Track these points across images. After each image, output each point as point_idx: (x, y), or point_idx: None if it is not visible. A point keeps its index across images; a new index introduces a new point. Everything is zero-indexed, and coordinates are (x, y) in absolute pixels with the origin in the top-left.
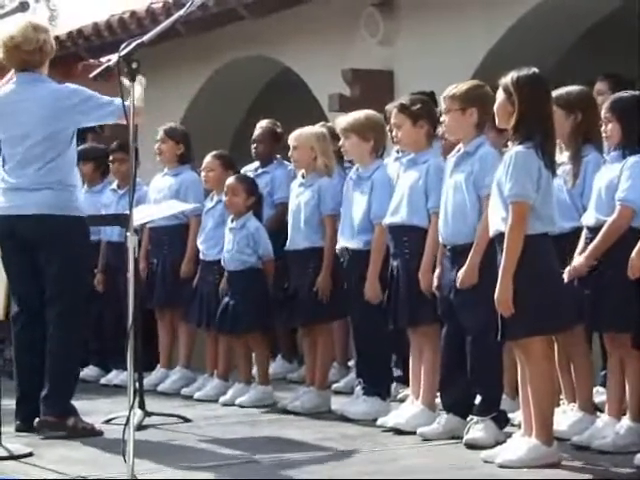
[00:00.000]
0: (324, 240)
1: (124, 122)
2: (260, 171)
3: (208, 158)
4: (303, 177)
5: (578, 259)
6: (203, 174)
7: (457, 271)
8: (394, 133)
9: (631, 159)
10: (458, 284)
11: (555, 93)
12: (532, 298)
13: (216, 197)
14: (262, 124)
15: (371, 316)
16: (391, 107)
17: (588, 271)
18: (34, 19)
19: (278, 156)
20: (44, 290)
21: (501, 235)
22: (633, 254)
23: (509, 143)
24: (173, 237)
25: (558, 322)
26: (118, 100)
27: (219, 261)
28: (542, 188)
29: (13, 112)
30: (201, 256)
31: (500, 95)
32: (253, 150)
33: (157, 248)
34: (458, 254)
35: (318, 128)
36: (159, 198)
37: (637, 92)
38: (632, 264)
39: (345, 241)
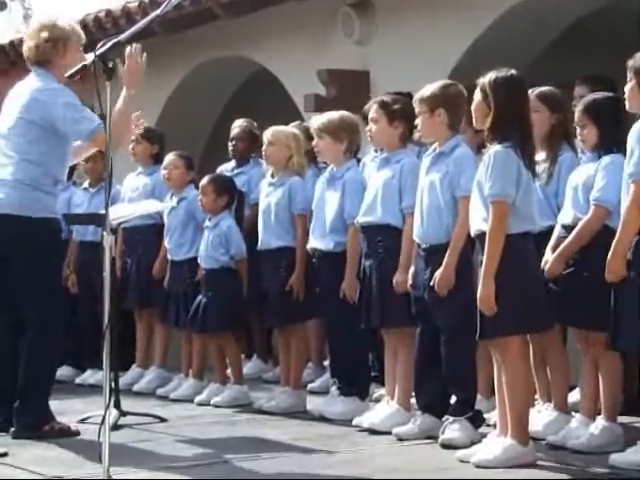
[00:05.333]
0: (296, 239)
1: (98, 147)
2: (236, 171)
3: (171, 156)
4: (273, 176)
5: (550, 259)
6: (165, 172)
7: (431, 271)
8: (369, 127)
9: (605, 159)
10: (436, 287)
11: (540, 91)
12: (511, 297)
13: (177, 196)
14: (240, 123)
15: (344, 316)
16: (372, 102)
17: (563, 269)
18: (46, 17)
19: (253, 155)
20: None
21: (482, 234)
22: (609, 258)
23: (486, 143)
24: (147, 237)
25: (536, 322)
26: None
27: (188, 261)
28: (522, 187)
29: (5, 105)
30: (169, 256)
31: (477, 96)
32: (231, 148)
33: (131, 248)
34: (432, 254)
35: (295, 129)
36: (134, 197)
37: (610, 93)
38: (609, 268)
39: (315, 241)
